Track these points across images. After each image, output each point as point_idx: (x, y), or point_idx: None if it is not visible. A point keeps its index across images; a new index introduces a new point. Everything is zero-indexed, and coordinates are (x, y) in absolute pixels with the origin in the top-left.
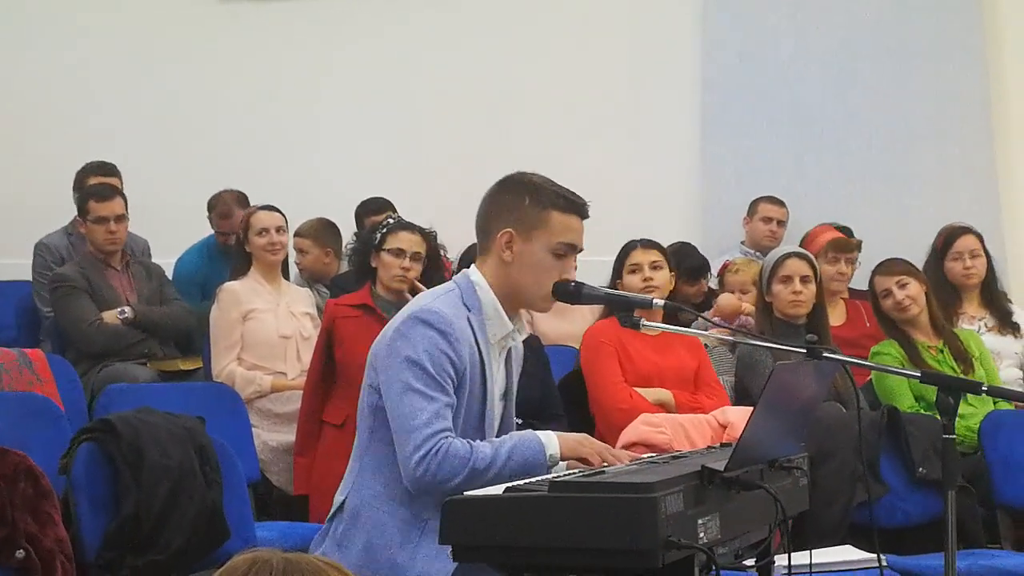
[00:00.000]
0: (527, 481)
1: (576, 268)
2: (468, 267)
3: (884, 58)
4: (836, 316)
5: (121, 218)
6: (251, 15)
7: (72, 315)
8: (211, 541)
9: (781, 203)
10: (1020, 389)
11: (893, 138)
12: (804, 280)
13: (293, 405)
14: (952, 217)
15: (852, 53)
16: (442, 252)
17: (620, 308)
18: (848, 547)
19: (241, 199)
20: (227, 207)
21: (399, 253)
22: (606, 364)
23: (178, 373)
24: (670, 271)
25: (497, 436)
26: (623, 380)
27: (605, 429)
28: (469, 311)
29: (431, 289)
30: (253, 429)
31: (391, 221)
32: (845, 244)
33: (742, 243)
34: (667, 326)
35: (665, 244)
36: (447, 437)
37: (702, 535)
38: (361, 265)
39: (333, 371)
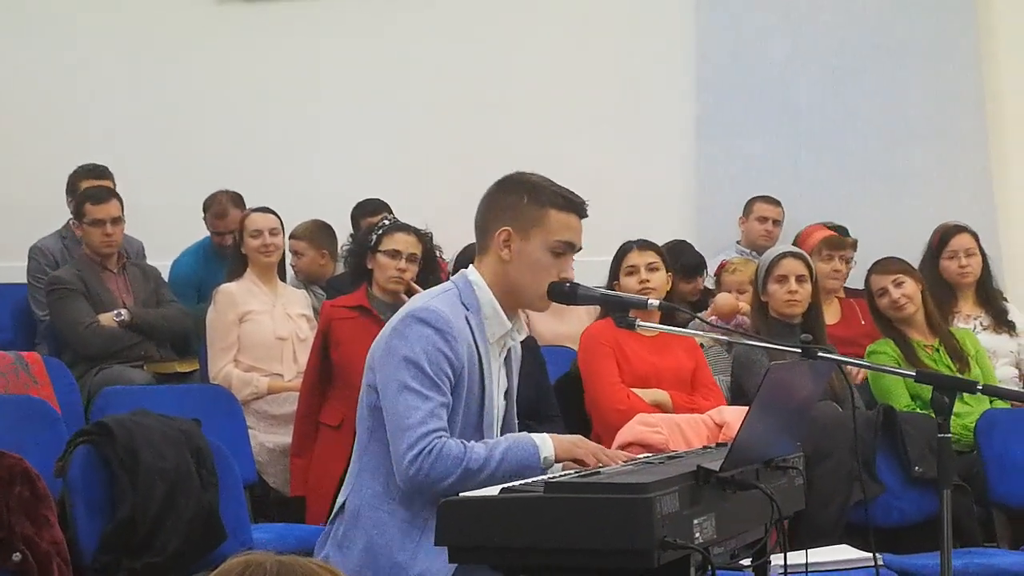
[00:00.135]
0: (523, 482)
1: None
2: (465, 267)
3: (879, 57)
4: (831, 315)
5: (117, 220)
6: (248, 16)
7: (68, 318)
8: (207, 543)
9: (777, 203)
10: (1016, 388)
11: (888, 137)
12: (800, 280)
13: (290, 407)
14: (948, 216)
15: (847, 52)
16: (438, 253)
17: (616, 309)
18: (844, 546)
19: (236, 199)
20: (222, 207)
21: (395, 254)
22: (603, 365)
23: (175, 375)
24: (667, 272)
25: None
26: (620, 381)
27: (602, 430)
28: (467, 310)
29: (429, 289)
30: (249, 431)
31: (387, 222)
32: (838, 242)
33: (738, 243)
34: (663, 327)
35: (661, 243)
36: (441, 437)
37: (698, 535)
38: (357, 267)
39: (330, 372)
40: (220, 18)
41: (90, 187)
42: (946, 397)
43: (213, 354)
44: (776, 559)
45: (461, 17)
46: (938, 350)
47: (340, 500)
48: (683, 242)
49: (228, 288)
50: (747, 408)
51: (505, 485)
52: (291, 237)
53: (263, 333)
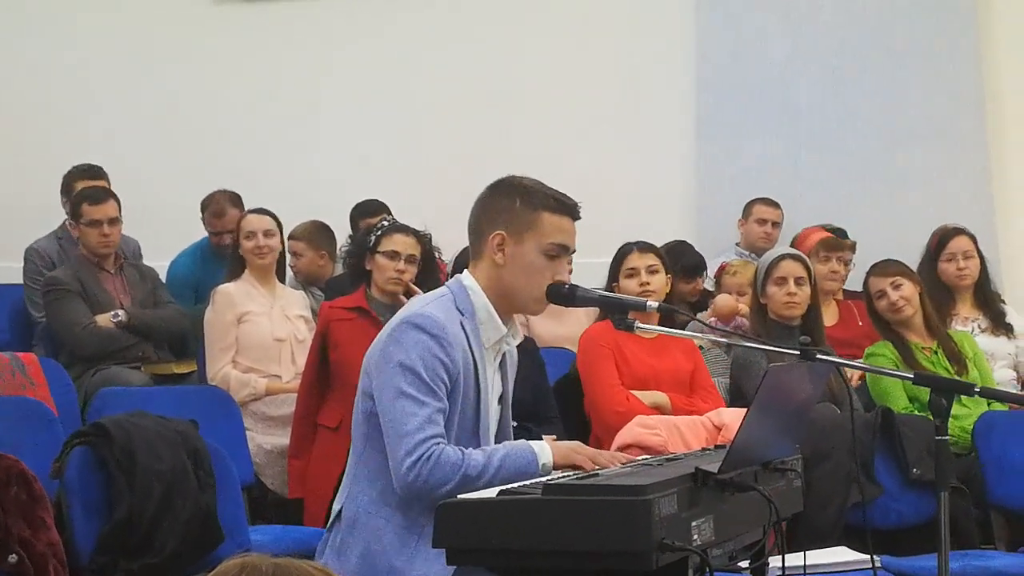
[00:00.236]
0: (521, 484)
1: (571, 271)
2: (461, 272)
3: (878, 58)
4: (828, 316)
5: (115, 221)
6: (248, 16)
7: (65, 318)
8: (205, 545)
9: (776, 205)
10: (1013, 390)
11: (888, 137)
12: (798, 282)
13: (288, 408)
14: (946, 218)
15: (846, 53)
16: (437, 254)
17: (615, 310)
18: (842, 548)
19: (234, 199)
20: (220, 207)
21: (394, 255)
22: (602, 367)
23: (172, 376)
24: (666, 274)
25: (495, 441)
26: (619, 383)
27: (601, 432)
28: (462, 315)
29: (424, 295)
30: (247, 432)
31: (386, 223)
32: (836, 243)
33: (737, 245)
34: (662, 328)
35: (660, 244)
36: (439, 443)
37: (696, 537)
38: (356, 268)
39: (328, 374)
40: (220, 18)
41: (87, 187)
42: (944, 399)
43: (211, 355)
44: (774, 561)
45: (461, 18)
46: (936, 352)
47: (336, 507)
48: (683, 242)
49: (226, 289)
50: (746, 410)
51: (503, 487)
52: (290, 238)
53: (261, 334)
